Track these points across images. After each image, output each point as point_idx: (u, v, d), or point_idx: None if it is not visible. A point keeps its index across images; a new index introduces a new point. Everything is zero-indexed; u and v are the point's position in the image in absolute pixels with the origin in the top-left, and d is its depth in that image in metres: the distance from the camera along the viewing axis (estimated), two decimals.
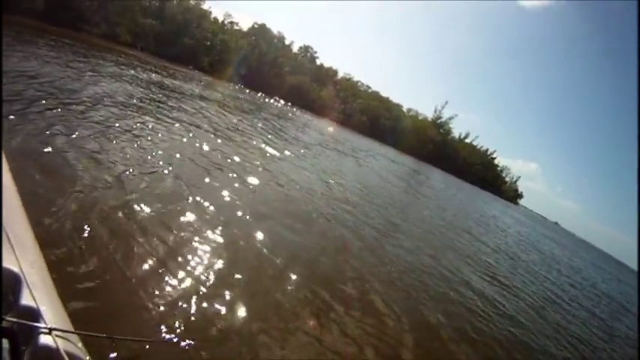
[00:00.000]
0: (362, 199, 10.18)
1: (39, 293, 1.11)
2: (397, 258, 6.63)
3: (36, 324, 1.06)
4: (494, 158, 71.38)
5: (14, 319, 0.99)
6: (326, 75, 57.71)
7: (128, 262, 3.26)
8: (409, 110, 64.46)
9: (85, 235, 3.38)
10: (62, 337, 1.10)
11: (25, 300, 1.09)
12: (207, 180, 6.35)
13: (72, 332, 1.17)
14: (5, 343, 0.96)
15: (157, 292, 3.03)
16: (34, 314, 1.08)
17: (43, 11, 31.93)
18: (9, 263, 1.09)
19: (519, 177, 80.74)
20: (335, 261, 5.44)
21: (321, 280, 4.60)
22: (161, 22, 43.91)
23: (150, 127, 8.19)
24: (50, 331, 1.07)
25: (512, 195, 74.97)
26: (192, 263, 3.72)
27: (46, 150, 4.94)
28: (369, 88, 62.83)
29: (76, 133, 5.97)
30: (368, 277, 5.31)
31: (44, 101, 6.97)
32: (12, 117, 5.60)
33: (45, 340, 1.04)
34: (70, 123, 6.35)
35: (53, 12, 32.48)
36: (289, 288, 4.14)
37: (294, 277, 4.39)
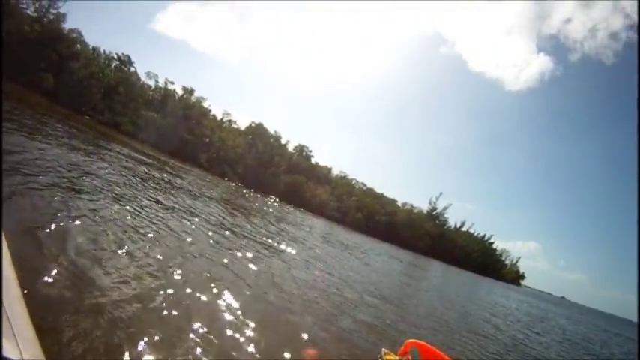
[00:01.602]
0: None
1: None
2: None
3: None
4: (492, 243, 70.86)
5: None
6: (321, 174, 56.74)
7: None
8: (404, 204, 64.15)
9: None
10: None
11: None
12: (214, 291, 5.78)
13: None
14: None
15: None
16: None
17: (52, 89, 27.18)
18: (13, 355, 1.07)
19: (519, 257, 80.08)
20: None
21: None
22: (163, 116, 40.77)
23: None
24: None
25: (514, 276, 73.14)
26: None
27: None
28: (364, 185, 62.67)
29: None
30: None
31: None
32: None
33: None
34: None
35: (61, 92, 27.86)
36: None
37: None
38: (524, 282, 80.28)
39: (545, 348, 11.71)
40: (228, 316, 4.95)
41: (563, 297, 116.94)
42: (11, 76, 23.66)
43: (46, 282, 3.84)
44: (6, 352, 0.99)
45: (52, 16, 28.48)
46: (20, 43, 23.97)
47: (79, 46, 31.58)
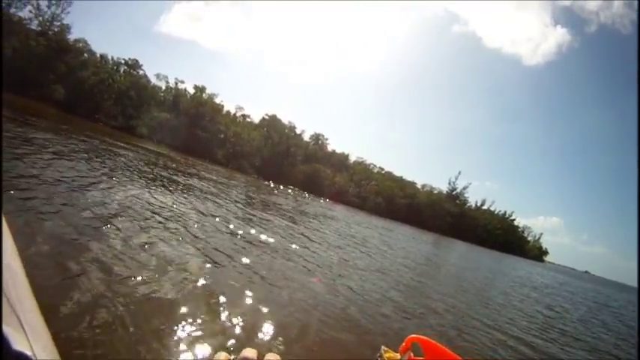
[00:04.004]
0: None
1: None
2: None
3: None
4: (514, 220, 69.90)
5: None
6: (338, 160, 56.03)
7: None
8: (424, 186, 63.31)
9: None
10: None
11: None
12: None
13: None
14: None
15: None
16: None
17: (63, 100, 27.38)
18: (23, 347, 1.03)
19: (542, 233, 79.34)
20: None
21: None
22: (176, 116, 40.69)
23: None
24: None
25: (537, 253, 72.17)
26: None
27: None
28: (382, 169, 61.79)
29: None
30: None
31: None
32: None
33: None
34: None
35: (73, 101, 28.04)
36: None
37: None
38: (547, 258, 78.91)
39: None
40: None
41: (586, 271, 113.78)
42: (21, 91, 23.86)
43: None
44: (16, 345, 0.73)
45: (56, 29, 28.61)
46: (27, 58, 24.08)
47: (85, 54, 31.70)
